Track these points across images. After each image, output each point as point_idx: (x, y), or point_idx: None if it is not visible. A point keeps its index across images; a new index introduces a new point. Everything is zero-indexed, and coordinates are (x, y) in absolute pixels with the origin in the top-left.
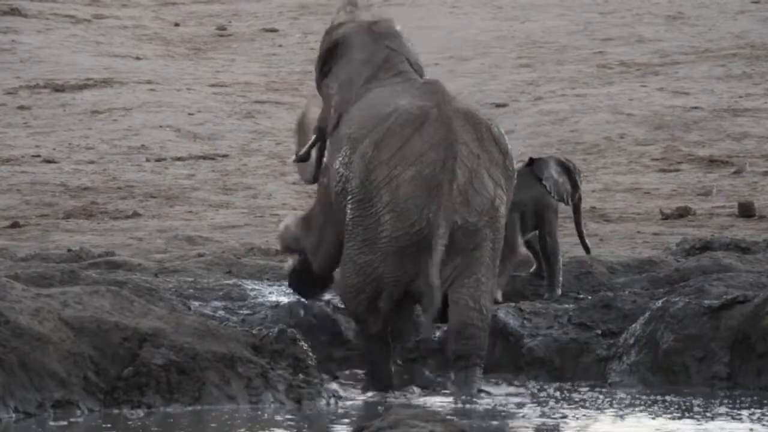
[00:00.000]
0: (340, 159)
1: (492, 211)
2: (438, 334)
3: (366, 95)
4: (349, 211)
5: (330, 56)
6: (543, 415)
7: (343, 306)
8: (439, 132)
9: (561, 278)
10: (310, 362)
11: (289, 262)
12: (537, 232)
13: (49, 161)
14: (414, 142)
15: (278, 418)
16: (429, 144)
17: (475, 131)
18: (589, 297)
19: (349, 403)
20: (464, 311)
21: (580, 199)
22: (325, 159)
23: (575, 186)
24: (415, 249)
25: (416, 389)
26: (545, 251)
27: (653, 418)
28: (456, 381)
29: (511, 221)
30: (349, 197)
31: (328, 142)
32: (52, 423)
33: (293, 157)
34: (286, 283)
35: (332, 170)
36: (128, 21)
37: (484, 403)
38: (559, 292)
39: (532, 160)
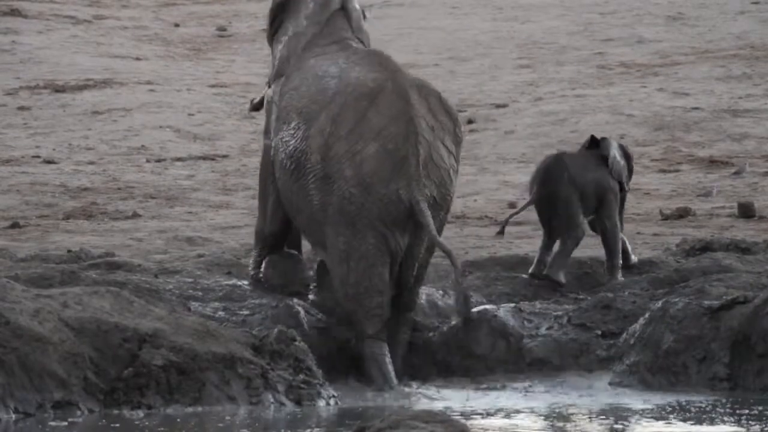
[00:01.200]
0: (292, 132)
1: (447, 181)
2: None
3: (307, 63)
4: (313, 190)
5: (281, 10)
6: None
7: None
8: (396, 105)
9: (621, 262)
10: (310, 363)
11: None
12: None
13: (49, 162)
14: (371, 115)
15: (278, 418)
16: (388, 117)
17: (428, 102)
18: (589, 297)
19: (349, 403)
20: (409, 272)
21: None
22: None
23: (631, 172)
24: (386, 220)
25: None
26: (605, 234)
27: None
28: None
29: (571, 200)
30: (311, 176)
31: (272, 107)
32: (52, 423)
33: (248, 105)
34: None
35: (277, 140)
36: (128, 22)
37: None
38: (620, 277)
39: (595, 140)
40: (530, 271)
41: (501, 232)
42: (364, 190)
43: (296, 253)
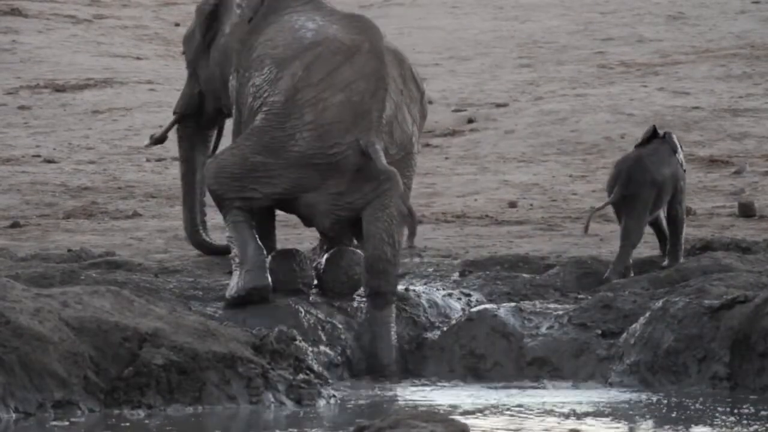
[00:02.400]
0: (263, 77)
1: (409, 146)
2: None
3: (281, 18)
4: (260, 120)
5: (213, 18)
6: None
7: (207, 181)
8: (371, 64)
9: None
10: (310, 362)
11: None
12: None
13: (49, 161)
14: (344, 69)
15: (278, 418)
16: (360, 74)
17: (400, 68)
18: (590, 297)
19: (349, 403)
20: (378, 245)
21: None
22: (231, 88)
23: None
24: (323, 168)
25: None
26: (675, 220)
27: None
28: (371, 320)
29: (648, 203)
30: (267, 109)
31: (235, 75)
32: (52, 423)
33: (147, 141)
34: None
35: (248, 88)
36: (129, 21)
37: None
38: (682, 259)
39: (657, 134)
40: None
41: (586, 229)
42: (317, 136)
43: (297, 249)
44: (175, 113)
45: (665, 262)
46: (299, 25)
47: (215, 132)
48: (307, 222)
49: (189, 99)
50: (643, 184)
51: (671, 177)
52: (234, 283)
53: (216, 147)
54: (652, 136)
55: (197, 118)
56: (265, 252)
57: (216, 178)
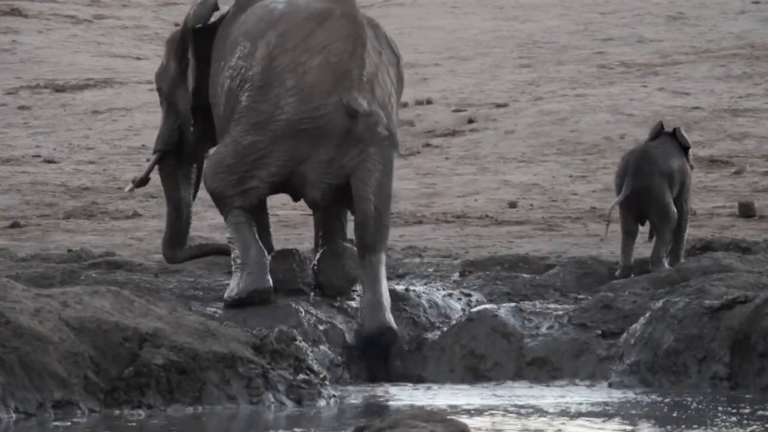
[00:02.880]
0: (237, 55)
1: (389, 107)
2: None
3: (255, 5)
4: (244, 99)
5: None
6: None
7: (206, 183)
8: (346, 26)
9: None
10: (310, 362)
11: None
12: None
13: (49, 161)
14: (319, 33)
15: (279, 418)
16: (335, 36)
17: (375, 31)
18: (590, 297)
19: (349, 403)
20: (367, 206)
21: None
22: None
23: None
24: (311, 134)
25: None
26: (679, 218)
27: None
28: (363, 279)
29: (664, 190)
30: (248, 85)
31: (214, 67)
32: (52, 423)
33: (129, 185)
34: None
35: (224, 73)
36: (128, 21)
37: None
38: (682, 259)
39: (664, 129)
40: (619, 275)
41: (607, 224)
42: (301, 100)
43: (297, 249)
44: (154, 152)
45: (666, 261)
46: (270, 3)
47: (196, 167)
48: (297, 195)
49: (168, 136)
50: (652, 175)
51: (678, 170)
52: (234, 285)
53: (198, 180)
54: (660, 131)
55: (177, 154)
56: (266, 254)
57: (214, 175)
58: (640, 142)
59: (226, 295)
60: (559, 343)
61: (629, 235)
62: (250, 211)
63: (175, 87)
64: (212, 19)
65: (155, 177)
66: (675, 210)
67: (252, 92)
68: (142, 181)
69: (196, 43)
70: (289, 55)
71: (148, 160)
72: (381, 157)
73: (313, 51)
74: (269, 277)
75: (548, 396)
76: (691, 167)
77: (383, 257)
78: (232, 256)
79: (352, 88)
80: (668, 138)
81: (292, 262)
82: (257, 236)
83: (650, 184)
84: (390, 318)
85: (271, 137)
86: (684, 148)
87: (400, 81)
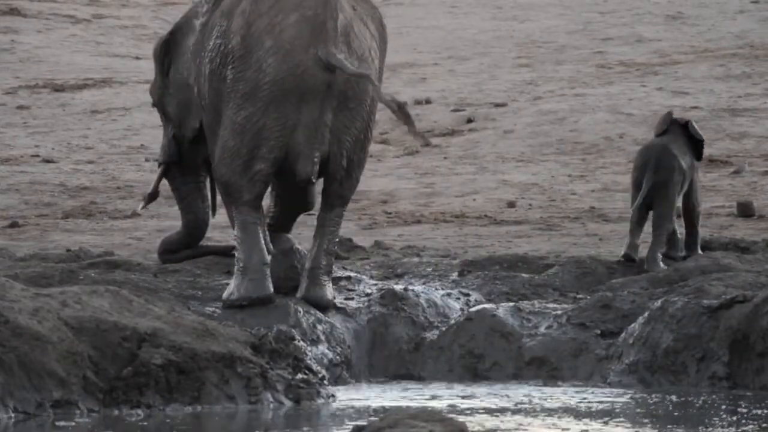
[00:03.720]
0: (215, 35)
1: (369, 60)
2: None
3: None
4: (229, 74)
5: (167, 50)
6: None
7: (215, 174)
8: None
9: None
10: (309, 362)
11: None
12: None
13: (48, 161)
14: None
15: (277, 417)
16: None
17: None
18: (588, 297)
19: (348, 402)
20: (338, 160)
21: None
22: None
23: None
24: (298, 93)
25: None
26: (692, 211)
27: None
28: (319, 220)
29: (677, 190)
30: (230, 58)
31: (196, 61)
32: (51, 423)
33: (140, 205)
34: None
35: (204, 60)
36: (128, 21)
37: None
38: (700, 251)
39: (676, 121)
40: (625, 252)
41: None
42: (281, 59)
43: (296, 246)
44: (159, 165)
45: (682, 253)
46: None
47: (206, 174)
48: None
49: (168, 147)
50: (672, 170)
51: (689, 166)
52: (234, 288)
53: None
54: (669, 124)
55: (181, 165)
56: (268, 259)
57: (220, 162)
58: (639, 142)
59: (225, 296)
60: (557, 343)
61: (641, 218)
62: (258, 206)
63: (162, 95)
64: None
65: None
66: (673, 216)
67: (235, 63)
68: (152, 196)
69: (174, 51)
70: (265, 17)
71: (147, 160)
72: (361, 110)
73: (288, 9)
74: (270, 284)
75: (547, 395)
76: (700, 160)
77: (341, 213)
78: (235, 255)
79: (328, 41)
80: (679, 132)
81: (294, 260)
82: (262, 238)
83: (669, 179)
84: (322, 286)
85: (262, 106)
86: (696, 142)
87: (382, 37)
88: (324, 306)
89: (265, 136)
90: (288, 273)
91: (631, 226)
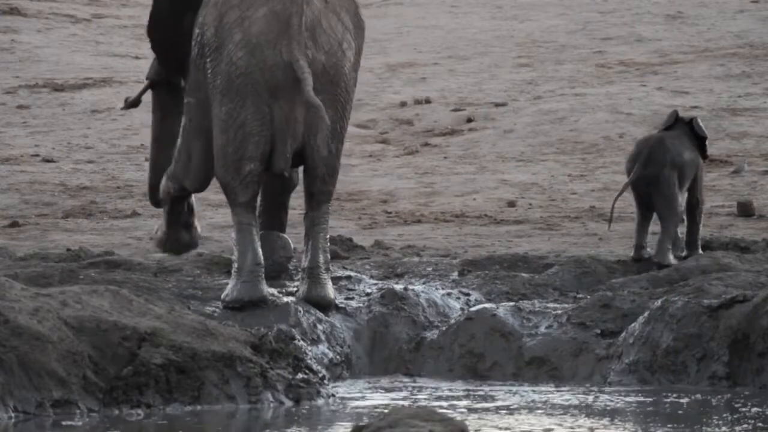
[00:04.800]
0: (197, 23)
1: (339, 52)
2: None
3: None
4: (208, 66)
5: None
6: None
7: (216, 177)
8: None
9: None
10: (309, 361)
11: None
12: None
13: (48, 161)
14: None
15: (277, 417)
16: None
17: None
18: (588, 296)
19: (348, 402)
20: (315, 152)
21: None
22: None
23: None
24: (268, 88)
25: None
26: (694, 209)
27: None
28: (307, 219)
29: (672, 182)
30: (207, 50)
31: (191, 65)
32: (51, 423)
33: (121, 104)
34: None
35: (193, 43)
36: (128, 20)
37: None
38: (700, 251)
39: (681, 119)
40: (633, 256)
41: (610, 222)
42: (249, 53)
43: (283, 234)
44: (146, 79)
45: (684, 253)
46: None
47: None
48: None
49: (156, 66)
50: (663, 165)
51: (691, 163)
52: (230, 289)
53: None
54: (675, 120)
55: (169, 84)
56: (262, 261)
57: (217, 163)
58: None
59: (223, 296)
60: (557, 343)
61: (643, 218)
62: (254, 207)
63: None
64: None
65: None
66: (681, 203)
67: (211, 56)
68: (133, 103)
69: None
70: (236, 9)
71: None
72: (334, 100)
73: (258, 3)
74: (263, 285)
75: (547, 395)
76: (706, 158)
77: (328, 210)
78: (232, 257)
79: (292, 38)
80: (684, 128)
81: (277, 245)
82: (257, 240)
83: (659, 174)
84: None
85: (240, 101)
86: (700, 139)
87: (358, 27)
88: (327, 305)
89: (248, 131)
90: (278, 260)
91: (636, 226)
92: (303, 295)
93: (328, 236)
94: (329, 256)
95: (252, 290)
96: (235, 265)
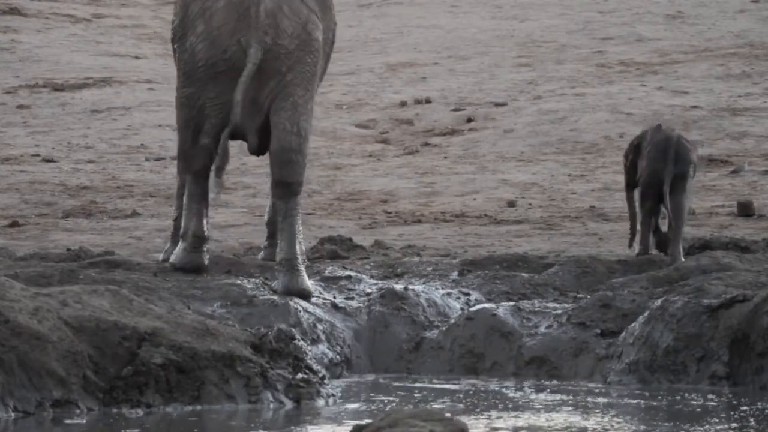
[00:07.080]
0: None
1: (304, 34)
2: None
3: None
4: (178, 51)
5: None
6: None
7: (177, 144)
8: None
9: None
10: (309, 361)
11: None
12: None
13: (48, 160)
14: None
15: (277, 417)
16: None
17: None
18: (588, 296)
19: (348, 402)
20: (282, 135)
21: None
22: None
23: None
24: (230, 76)
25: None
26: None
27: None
28: (279, 211)
29: (690, 178)
30: (176, 37)
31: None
32: (51, 423)
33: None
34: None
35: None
36: (128, 20)
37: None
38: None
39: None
40: (637, 252)
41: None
42: (210, 44)
43: None
44: None
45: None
46: None
47: None
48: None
49: None
50: (689, 163)
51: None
52: (177, 252)
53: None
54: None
55: None
56: (204, 234)
57: (178, 132)
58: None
59: (172, 257)
60: (557, 342)
61: (650, 214)
62: (206, 179)
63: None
64: None
65: (154, 176)
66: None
67: (178, 44)
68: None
69: None
70: (198, 1)
71: (147, 160)
72: (299, 79)
73: None
74: (202, 255)
75: (547, 395)
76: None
77: (299, 200)
78: (182, 220)
79: (250, 27)
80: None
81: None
82: (204, 212)
83: (686, 172)
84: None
85: (200, 86)
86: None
87: (326, 9)
88: (307, 295)
89: (206, 113)
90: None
91: (642, 219)
92: (282, 286)
93: (300, 223)
94: (303, 247)
95: (191, 259)
96: (181, 230)
